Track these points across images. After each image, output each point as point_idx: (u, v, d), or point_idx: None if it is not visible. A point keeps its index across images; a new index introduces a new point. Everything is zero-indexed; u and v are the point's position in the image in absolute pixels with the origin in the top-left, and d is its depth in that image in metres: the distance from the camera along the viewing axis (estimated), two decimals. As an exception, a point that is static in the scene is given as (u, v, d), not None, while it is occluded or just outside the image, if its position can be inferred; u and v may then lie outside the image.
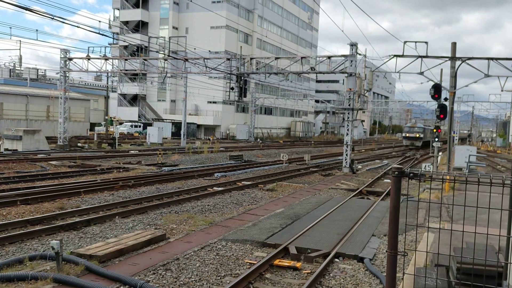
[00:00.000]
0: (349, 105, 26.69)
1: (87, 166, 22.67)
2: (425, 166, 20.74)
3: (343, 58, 27.11)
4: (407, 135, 59.73)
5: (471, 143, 67.73)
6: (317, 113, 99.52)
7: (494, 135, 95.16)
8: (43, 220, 10.87)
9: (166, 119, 62.34)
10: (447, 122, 21.36)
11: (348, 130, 26.99)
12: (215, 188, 17.57)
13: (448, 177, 3.57)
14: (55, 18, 17.74)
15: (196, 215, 12.48)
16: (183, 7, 67.53)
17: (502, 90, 25.71)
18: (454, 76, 19.94)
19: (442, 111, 19.60)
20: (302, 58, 29.05)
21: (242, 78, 29.87)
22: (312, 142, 63.80)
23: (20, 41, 59.64)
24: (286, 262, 8.18)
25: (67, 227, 10.34)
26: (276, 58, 29.68)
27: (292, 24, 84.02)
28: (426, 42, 21.40)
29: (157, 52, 47.03)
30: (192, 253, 8.58)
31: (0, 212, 11.65)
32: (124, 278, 6.76)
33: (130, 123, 60.90)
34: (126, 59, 36.38)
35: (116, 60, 36.77)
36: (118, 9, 70.13)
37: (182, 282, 7.04)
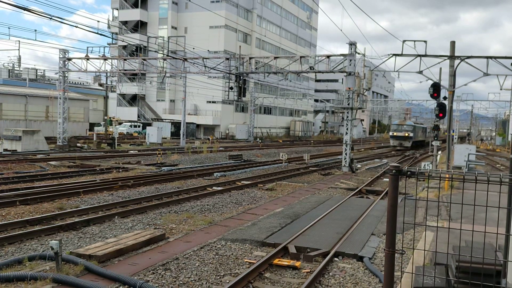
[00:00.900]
0: (348, 104, 26.70)
1: (87, 166, 22.66)
2: (424, 165, 20.77)
3: (342, 57, 27.13)
4: (395, 134, 52.98)
5: (470, 142, 67.78)
6: (316, 112, 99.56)
7: (494, 133, 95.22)
8: (42, 220, 10.86)
9: (165, 119, 62.34)
10: (446, 121, 21.37)
11: (347, 129, 27.00)
12: (214, 187, 17.58)
13: (446, 176, 3.58)
14: (53, 18, 17.74)
15: (195, 215, 12.48)
16: (182, 7, 67.50)
17: (501, 89, 25.78)
18: (453, 75, 19.95)
19: (441, 110, 19.60)
20: (301, 57, 29.05)
21: (241, 77, 29.87)
22: (312, 141, 63.82)
23: (19, 41, 59.69)
24: (285, 261, 8.18)
25: (66, 227, 10.34)
26: (275, 58, 29.68)
27: (291, 24, 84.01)
28: (425, 41, 21.42)
29: (156, 52, 47.04)
30: (192, 252, 8.59)
31: (-1, 212, 11.64)
32: (124, 278, 6.76)
33: (129, 123, 60.88)
34: (125, 59, 36.37)
35: (115, 60, 36.78)
36: (117, 9, 70.10)
37: (181, 282, 7.05)
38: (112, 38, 66.25)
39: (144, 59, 34.14)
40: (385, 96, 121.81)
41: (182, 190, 16.29)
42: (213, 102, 64.88)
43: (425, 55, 21.43)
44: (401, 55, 21.74)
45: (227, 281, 7.11)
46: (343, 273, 7.71)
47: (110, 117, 49.49)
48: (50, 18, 17.44)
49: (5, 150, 28.05)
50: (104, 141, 37.68)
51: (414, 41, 21.55)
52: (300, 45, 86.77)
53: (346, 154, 26.51)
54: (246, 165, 26.62)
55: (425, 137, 63.78)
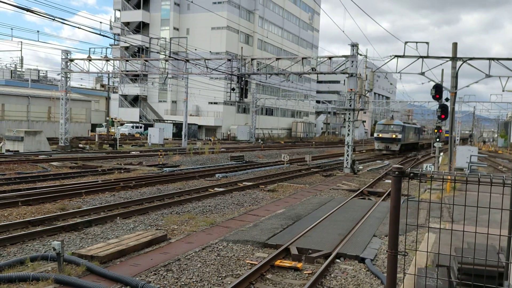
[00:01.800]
0: (350, 105, 26.69)
1: (88, 167, 22.69)
2: (426, 166, 20.74)
3: (344, 58, 27.12)
4: (380, 135, 44.29)
5: (472, 143, 67.66)
6: (318, 113, 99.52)
7: (496, 135, 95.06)
8: (44, 221, 10.88)
9: (167, 120, 62.41)
10: (448, 122, 21.35)
11: (349, 130, 26.99)
12: (216, 188, 17.57)
13: (448, 177, 3.57)
14: (56, 19, 17.77)
15: (197, 216, 12.48)
16: (184, 8, 67.61)
17: (503, 91, 25.71)
18: (455, 77, 19.93)
19: (443, 112, 19.59)
20: (303, 58, 29.05)
21: (243, 78, 29.88)
22: (313, 142, 63.77)
23: (21, 42, 59.74)
24: (287, 263, 8.17)
25: (68, 228, 10.35)
26: (277, 59, 29.69)
27: (293, 25, 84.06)
28: (427, 43, 21.40)
29: (158, 53, 47.03)
30: (193, 253, 8.59)
31: (1, 213, 11.66)
32: (125, 278, 6.77)
33: (131, 124, 60.95)
34: (127, 60, 36.46)
35: (117, 61, 36.85)
36: (119, 10, 70.26)
37: (183, 283, 7.05)
38: (114, 39, 66.41)
39: (146, 60, 34.19)
40: (387, 98, 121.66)
41: (183, 191, 16.30)
42: (215, 103, 64.93)
43: (427, 57, 21.40)
44: (403, 56, 21.72)
45: (229, 282, 7.10)
46: (345, 275, 7.70)
47: (112, 118, 49.59)
48: (53, 19, 17.48)
49: (7, 150, 28.10)
50: (106, 142, 37.74)
51: (416, 42, 21.54)
52: (302, 46, 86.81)
53: (347, 155, 26.49)
54: (248, 166, 26.62)
55: (419, 139, 56.96)
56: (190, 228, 11.01)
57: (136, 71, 37.53)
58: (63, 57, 33.39)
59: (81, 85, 70.70)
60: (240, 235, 9.99)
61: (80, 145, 35.14)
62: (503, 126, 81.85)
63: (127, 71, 38.01)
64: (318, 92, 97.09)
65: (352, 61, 26.17)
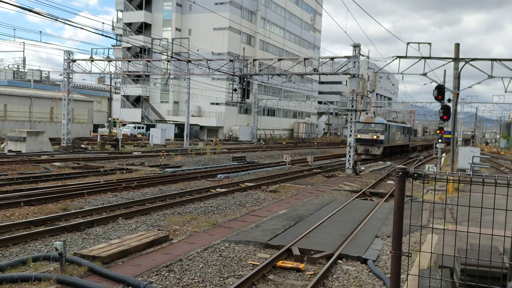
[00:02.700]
0: (352, 106, 26.66)
1: (91, 167, 22.71)
2: (428, 167, 20.70)
3: (346, 59, 27.11)
4: (359, 136, 35.46)
5: (474, 144, 67.53)
6: (320, 114, 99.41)
7: (498, 136, 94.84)
8: (46, 221, 10.88)
9: (169, 121, 62.41)
10: (451, 123, 21.31)
11: (351, 131, 26.96)
12: (218, 189, 17.57)
13: (452, 178, 3.55)
14: (59, 19, 17.78)
15: (199, 216, 12.47)
16: (186, 8, 67.65)
17: (505, 91, 25.62)
18: (457, 77, 19.89)
19: (446, 112, 19.55)
20: (305, 59, 29.04)
21: (245, 79, 29.89)
22: (315, 143, 63.72)
23: (23, 42, 59.93)
24: (289, 264, 8.16)
25: (70, 228, 10.35)
26: (279, 60, 29.68)
27: (295, 26, 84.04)
28: (429, 43, 21.35)
29: (160, 53, 47.03)
30: (195, 254, 8.58)
31: (3, 213, 11.68)
32: (127, 279, 6.76)
33: (133, 125, 60.98)
34: (129, 61, 36.47)
35: (119, 62, 36.89)
36: (121, 11, 70.35)
37: (185, 283, 7.04)
38: (117, 40, 66.48)
39: (148, 61, 34.23)
40: (389, 98, 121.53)
41: (185, 192, 16.30)
42: (217, 103, 64.92)
43: (430, 57, 21.35)
44: (405, 57, 21.67)
45: (231, 283, 7.09)
46: (347, 276, 7.68)
47: (114, 119, 49.61)
48: (56, 20, 17.49)
49: (10, 151, 28.16)
50: (108, 142, 37.77)
51: (419, 43, 21.49)
52: (304, 47, 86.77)
53: (349, 156, 26.47)
54: (250, 166, 26.61)
55: (408, 141, 49.99)
56: (192, 228, 11.00)
57: (138, 72, 37.60)
58: (65, 57, 33.44)
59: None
60: (242, 236, 9.98)
61: (82, 146, 35.18)
62: (506, 127, 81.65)
63: (129, 71, 38.01)
64: (320, 93, 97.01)
65: (354, 62, 26.14)
